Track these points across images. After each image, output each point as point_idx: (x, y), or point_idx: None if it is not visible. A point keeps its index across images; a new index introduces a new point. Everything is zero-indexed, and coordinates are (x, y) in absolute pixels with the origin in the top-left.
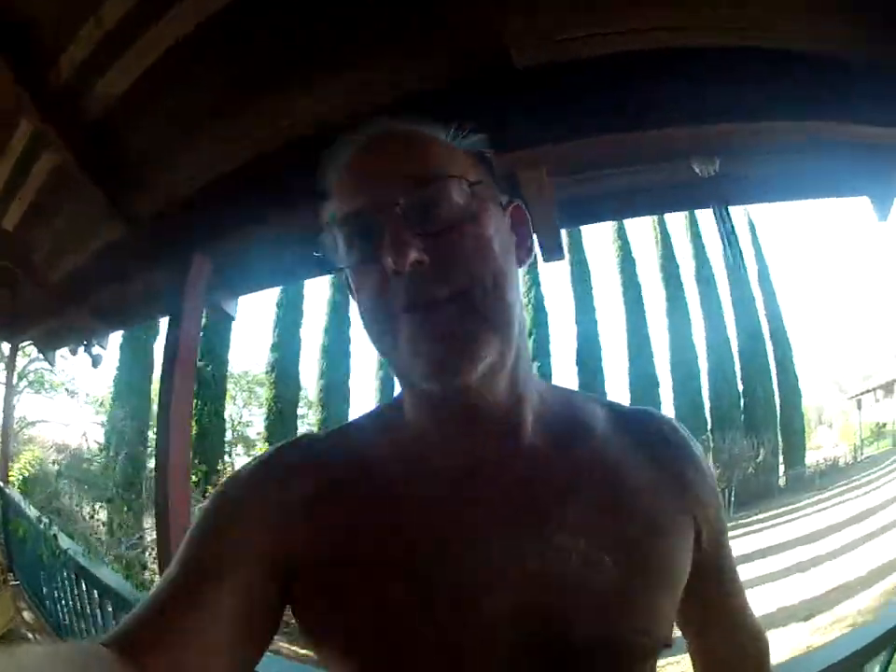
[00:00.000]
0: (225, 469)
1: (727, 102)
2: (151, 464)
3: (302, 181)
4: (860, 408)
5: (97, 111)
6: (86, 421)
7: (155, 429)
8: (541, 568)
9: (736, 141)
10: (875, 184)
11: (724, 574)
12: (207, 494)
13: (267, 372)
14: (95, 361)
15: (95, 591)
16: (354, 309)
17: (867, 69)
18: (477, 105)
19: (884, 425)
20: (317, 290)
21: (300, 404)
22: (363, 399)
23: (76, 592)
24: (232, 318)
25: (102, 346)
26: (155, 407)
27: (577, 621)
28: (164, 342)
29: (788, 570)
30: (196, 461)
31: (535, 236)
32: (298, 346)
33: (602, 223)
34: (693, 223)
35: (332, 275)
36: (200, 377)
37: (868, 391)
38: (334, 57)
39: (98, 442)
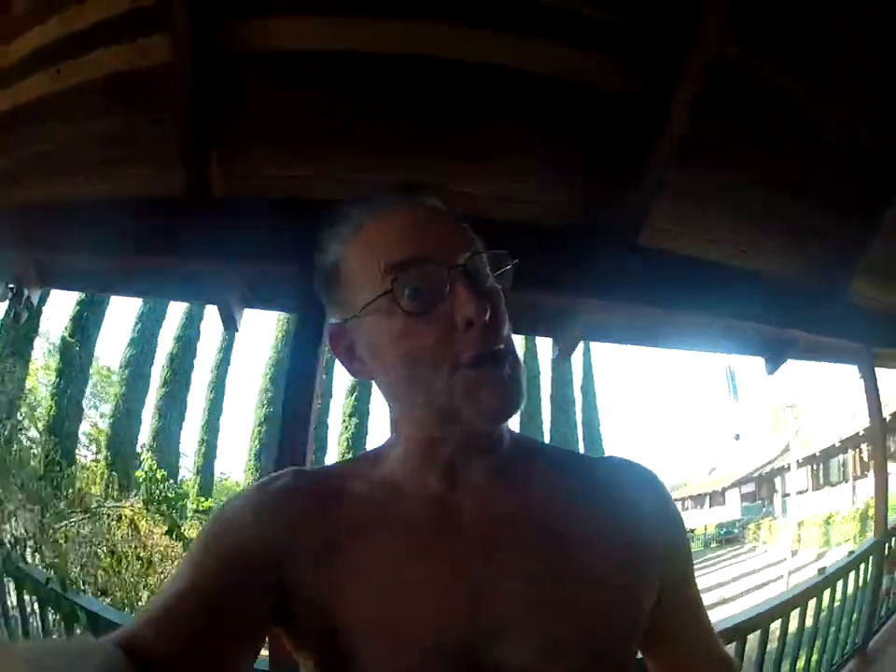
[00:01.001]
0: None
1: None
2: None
3: None
4: None
5: (250, 47)
6: None
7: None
8: (513, 594)
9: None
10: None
11: (694, 609)
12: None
13: (122, 367)
14: (18, 316)
15: None
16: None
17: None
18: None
19: (693, 530)
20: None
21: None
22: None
23: None
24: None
25: (31, 302)
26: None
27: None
28: (291, 360)
29: None
30: (50, 449)
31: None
32: (155, 347)
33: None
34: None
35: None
36: (68, 354)
37: (678, 500)
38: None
39: None
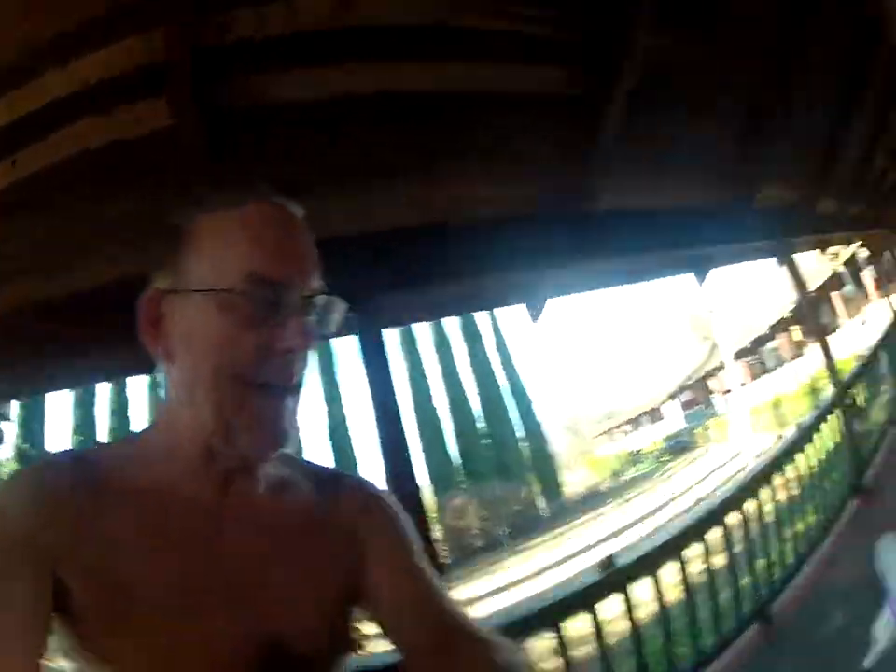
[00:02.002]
0: None
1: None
2: None
3: None
4: (612, 441)
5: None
6: None
7: None
8: (252, 587)
9: None
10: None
11: (432, 590)
12: None
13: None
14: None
15: None
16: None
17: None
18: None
19: (639, 451)
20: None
21: None
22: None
23: None
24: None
25: (6, 418)
26: None
27: (282, 632)
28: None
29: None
30: None
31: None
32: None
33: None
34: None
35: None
36: None
37: (616, 426)
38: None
39: None
